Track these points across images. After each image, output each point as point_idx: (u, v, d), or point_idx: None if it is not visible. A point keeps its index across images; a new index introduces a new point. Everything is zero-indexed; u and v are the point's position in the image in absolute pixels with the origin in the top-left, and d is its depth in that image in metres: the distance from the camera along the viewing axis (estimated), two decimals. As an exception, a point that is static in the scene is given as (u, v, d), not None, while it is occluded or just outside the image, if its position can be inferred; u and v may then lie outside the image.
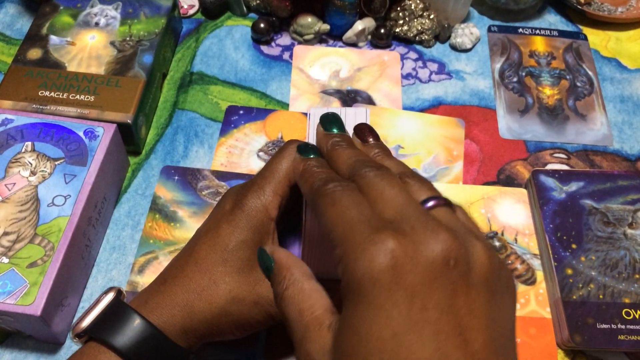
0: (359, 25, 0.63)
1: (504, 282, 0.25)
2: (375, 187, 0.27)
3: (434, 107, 0.60)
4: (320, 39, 0.65)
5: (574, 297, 0.45)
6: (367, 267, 0.23)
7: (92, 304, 0.37)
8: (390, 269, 0.23)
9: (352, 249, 0.24)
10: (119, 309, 0.35)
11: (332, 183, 0.28)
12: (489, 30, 0.68)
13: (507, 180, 0.55)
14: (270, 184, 0.37)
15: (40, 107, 0.52)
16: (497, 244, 0.51)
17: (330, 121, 0.34)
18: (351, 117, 0.36)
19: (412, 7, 0.64)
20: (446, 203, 0.27)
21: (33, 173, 0.46)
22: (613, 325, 0.44)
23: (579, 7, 0.68)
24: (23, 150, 0.47)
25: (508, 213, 0.52)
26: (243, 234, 0.36)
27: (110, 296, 0.37)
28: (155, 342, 0.34)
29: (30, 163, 0.47)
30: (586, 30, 0.68)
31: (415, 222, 0.24)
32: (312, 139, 0.36)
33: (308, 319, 0.28)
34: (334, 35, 0.65)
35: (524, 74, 0.63)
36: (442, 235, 0.24)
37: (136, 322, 0.34)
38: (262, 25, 0.63)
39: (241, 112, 0.59)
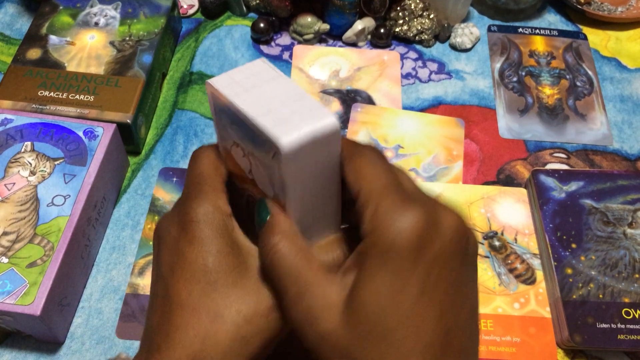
0: (358, 25, 0.63)
1: (476, 252, 0.28)
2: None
3: (434, 106, 0.60)
4: (320, 38, 0.65)
5: (574, 296, 0.45)
6: (401, 233, 0.25)
7: None
8: (420, 239, 0.25)
9: (389, 212, 0.25)
10: None
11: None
12: (489, 30, 0.68)
13: (506, 179, 0.55)
14: (205, 185, 0.32)
15: (40, 107, 0.52)
16: (497, 243, 0.51)
17: None
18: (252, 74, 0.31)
19: (412, 7, 0.64)
20: None
21: (32, 173, 0.46)
22: (613, 325, 0.44)
23: (578, 6, 0.68)
24: (22, 150, 0.47)
25: (508, 213, 0.52)
26: (214, 243, 0.30)
27: None
28: None
29: (29, 163, 0.47)
30: (586, 30, 0.68)
31: (430, 199, 0.27)
32: (215, 121, 0.32)
33: (309, 274, 0.27)
34: (334, 35, 0.65)
35: (523, 73, 0.63)
36: (453, 214, 0.26)
37: None
38: (261, 25, 0.63)
39: (241, 112, 0.58)
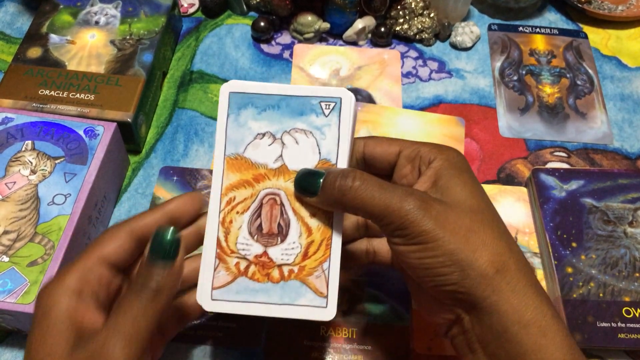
0: (359, 24, 0.63)
1: None
2: None
3: (434, 105, 0.60)
4: (321, 37, 0.65)
5: (574, 295, 0.45)
6: (456, 158, 0.36)
7: None
8: (464, 160, 0.36)
9: (436, 151, 0.36)
10: None
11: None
12: (489, 28, 0.68)
13: (507, 178, 0.55)
14: (67, 268, 0.34)
15: (41, 105, 0.52)
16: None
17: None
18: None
19: (413, 6, 0.64)
20: None
21: (33, 172, 0.46)
22: (613, 324, 0.44)
23: (579, 5, 0.68)
24: (23, 149, 0.47)
25: (508, 211, 0.52)
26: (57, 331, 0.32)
27: None
28: None
29: (30, 162, 0.47)
30: (586, 29, 0.68)
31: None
32: (218, 123, 0.37)
33: (396, 192, 0.33)
34: (334, 34, 0.65)
35: (524, 72, 0.63)
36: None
37: None
38: (262, 23, 0.63)
39: (241, 110, 0.58)
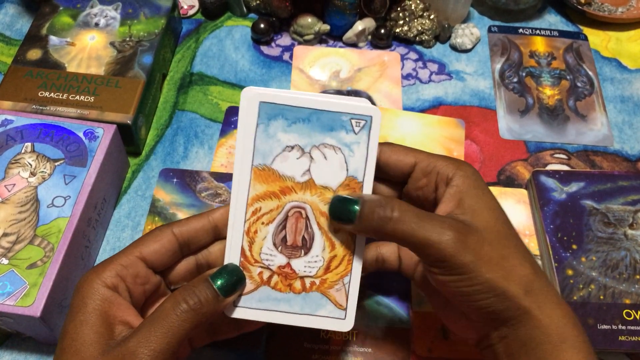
0: (359, 26, 0.63)
1: None
2: None
3: (434, 107, 0.60)
4: (321, 39, 0.65)
5: (575, 297, 0.45)
6: (475, 174, 0.37)
7: None
8: (480, 176, 0.37)
9: (454, 166, 0.37)
10: None
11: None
12: (489, 30, 0.68)
13: (507, 180, 0.55)
14: (107, 262, 0.36)
15: (40, 107, 0.52)
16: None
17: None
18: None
19: (412, 8, 0.64)
20: None
21: (33, 174, 0.46)
22: (614, 326, 0.44)
23: (579, 7, 0.68)
24: (23, 151, 0.47)
25: (508, 213, 0.52)
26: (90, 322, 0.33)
27: None
28: None
29: (30, 164, 0.47)
30: (586, 31, 0.68)
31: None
32: (244, 131, 0.36)
33: (431, 223, 0.34)
34: (334, 36, 0.65)
35: (524, 74, 0.63)
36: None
37: None
38: (262, 25, 0.63)
39: (241, 112, 0.58)
